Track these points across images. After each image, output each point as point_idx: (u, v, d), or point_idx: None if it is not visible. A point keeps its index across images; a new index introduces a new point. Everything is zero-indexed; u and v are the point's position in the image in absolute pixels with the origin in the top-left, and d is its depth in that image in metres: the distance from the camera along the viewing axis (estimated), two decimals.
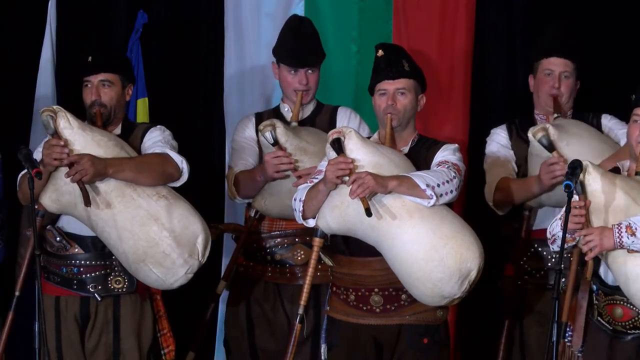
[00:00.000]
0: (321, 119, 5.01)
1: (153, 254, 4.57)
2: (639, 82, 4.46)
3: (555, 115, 5.04)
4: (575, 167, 4.24)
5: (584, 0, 5.85)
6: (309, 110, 5.14)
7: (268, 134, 4.83)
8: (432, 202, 4.37)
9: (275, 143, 4.84)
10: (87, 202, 4.49)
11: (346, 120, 5.02)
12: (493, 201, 5.02)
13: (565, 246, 4.21)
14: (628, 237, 4.14)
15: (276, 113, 5.14)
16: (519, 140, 5.09)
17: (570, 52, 5.07)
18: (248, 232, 5.13)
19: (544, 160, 4.79)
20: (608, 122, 5.10)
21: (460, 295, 4.41)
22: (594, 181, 4.26)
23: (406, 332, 4.53)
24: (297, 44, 5.11)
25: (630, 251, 4.17)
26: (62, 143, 4.53)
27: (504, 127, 5.17)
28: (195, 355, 5.21)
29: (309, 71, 5.07)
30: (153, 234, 4.57)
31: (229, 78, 6.03)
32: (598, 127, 5.09)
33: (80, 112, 4.79)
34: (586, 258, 4.24)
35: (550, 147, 4.74)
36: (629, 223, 4.15)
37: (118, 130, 4.83)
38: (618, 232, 4.15)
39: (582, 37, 5.22)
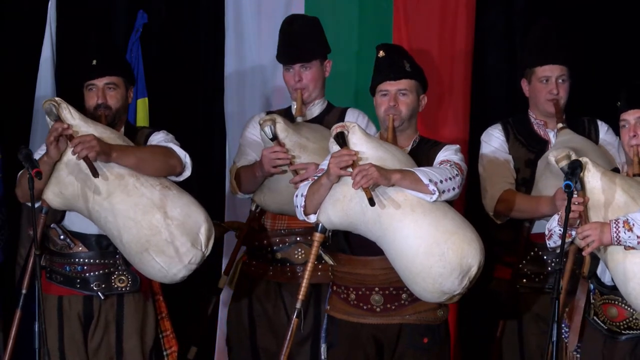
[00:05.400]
0: (329, 120, 5.02)
1: (156, 242, 4.57)
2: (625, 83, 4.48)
3: (560, 125, 5.01)
4: (575, 167, 4.28)
5: (582, 0, 5.86)
6: (317, 110, 5.15)
7: (267, 129, 4.85)
8: (434, 197, 4.38)
9: (274, 138, 4.85)
10: (95, 173, 4.48)
11: (354, 120, 5.01)
12: (494, 212, 5.02)
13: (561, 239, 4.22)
14: (625, 233, 4.16)
15: (287, 112, 5.14)
16: (517, 144, 5.08)
17: (564, 57, 5.04)
18: (251, 230, 5.14)
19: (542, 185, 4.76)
20: (604, 134, 5.08)
21: (460, 292, 4.42)
22: (593, 178, 4.29)
23: (406, 332, 4.54)
24: (287, 42, 5.12)
25: (627, 248, 4.18)
26: (65, 126, 4.54)
27: (499, 127, 5.14)
28: (198, 350, 5.22)
29: (303, 68, 5.08)
30: (156, 221, 4.58)
31: (229, 78, 6.03)
32: (596, 134, 5.08)
33: (81, 112, 4.79)
34: (584, 253, 4.26)
35: None
36: (627, 219, 4.18)
37: (121, 133, 4.83)
38: (615, 228, 4.17)
39: (573, 39, 5.21)
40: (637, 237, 4.15)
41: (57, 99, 4.64)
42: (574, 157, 4.58)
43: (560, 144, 4.88)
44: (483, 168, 5.10)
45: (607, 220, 4.23)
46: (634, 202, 4.24)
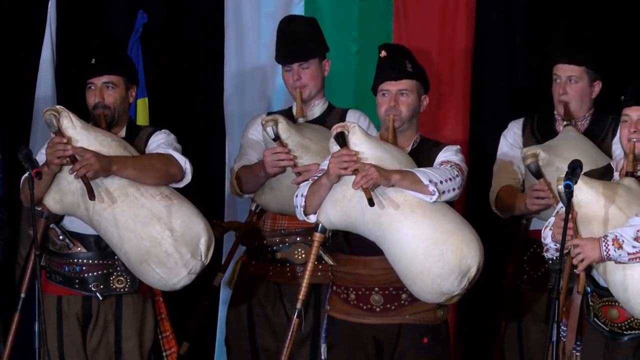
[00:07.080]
0: (331, 121, 5.02)
1: (156, 254, 4.57)
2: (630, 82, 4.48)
3: (566, 123, 5.01)
4: (575, 167, 4.21)
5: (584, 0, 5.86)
6: (318, 111, 5.16)
7: (270, 129, 4.85)
8: (434, 198, 4.38)
9: (277, 138, 4.85)
10: (92, 195, 4.49)
11: (354, 121, 5.01)
12: (495, 206, 5.03)
13: (557, 253, 4.19)
14: (615, 250, 4.11)
15: (288, 113, 5.15)
16: (531, 138, 5.07)
17: (575, 56, 5.00)
18: (252, 230, 5.14)
19: (532, 182, 4.77)
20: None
21: (459, 293, 4.42)
22: (579, 191, 4.21)
23: (406, 332, 4.54)
24: (285, 42, 5.13)
25: (617, 262, 4.14)
26: (64, 140, 4.54)
27: (520, 121, 5.15)
28: (190, 346, 5.21)
29: (302, 67, 5.08)
30: (155, 233, 4.57)
31: (229, 78, 6.03)
32: (613, 133, 5.02)
33: (81, 112, 4.79)
34: (576, 271, 4.21)
35: (538, 174, 4.70)
36: (615, 236, 4.12)
37: (123, 132, 4.83)
38: (605, 245, 4.11)
39: (589, 38, 5.19)
40: (628, 254, 4.09)
41: (58, 107, 4.63)
42: (542, 155, 4.61)
43: (549, 142, 4.89)
44: (496, 164, 5.11)
45: (593, 233, 4.16)
46: (622, 213, 4.18)
